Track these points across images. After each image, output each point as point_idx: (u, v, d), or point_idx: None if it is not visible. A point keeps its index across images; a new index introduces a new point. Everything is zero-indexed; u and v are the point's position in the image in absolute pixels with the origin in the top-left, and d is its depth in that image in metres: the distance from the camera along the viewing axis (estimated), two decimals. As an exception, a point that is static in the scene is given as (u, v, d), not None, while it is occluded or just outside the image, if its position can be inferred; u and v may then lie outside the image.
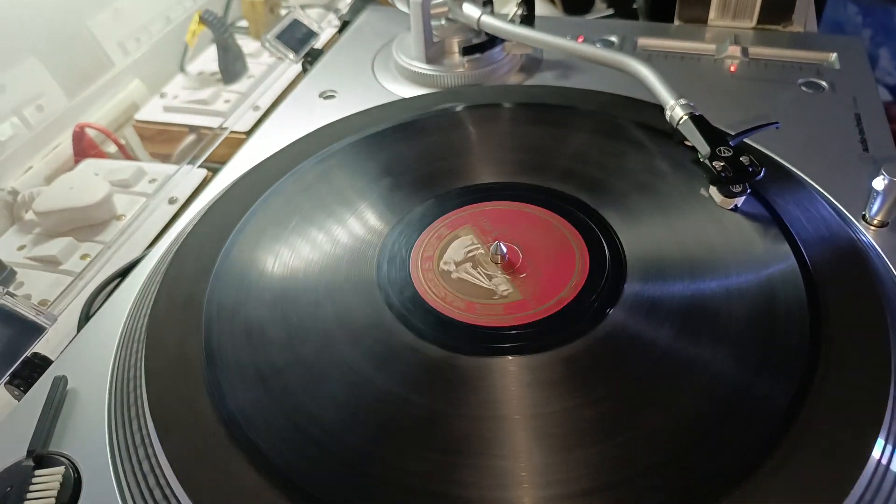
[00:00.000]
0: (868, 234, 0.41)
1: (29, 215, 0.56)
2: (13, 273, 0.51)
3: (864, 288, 0.36)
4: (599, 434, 0.30)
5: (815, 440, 0.29)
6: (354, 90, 0.60)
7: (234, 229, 0.42)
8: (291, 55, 0.64)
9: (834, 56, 0.57)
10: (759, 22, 0.61)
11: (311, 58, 0.65)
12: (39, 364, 0.39)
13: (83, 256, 0.52)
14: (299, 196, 0.44)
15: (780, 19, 0.61)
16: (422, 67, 0.58)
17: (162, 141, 0.69)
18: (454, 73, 0.58)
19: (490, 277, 0.38)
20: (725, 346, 0.33)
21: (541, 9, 0.77)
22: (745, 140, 0.45)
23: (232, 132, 0.64)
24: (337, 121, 0.53)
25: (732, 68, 0.57)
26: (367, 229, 0.42)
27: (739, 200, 0.40)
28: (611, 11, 0.78)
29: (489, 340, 0.35)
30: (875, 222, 0.42)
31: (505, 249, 0.39)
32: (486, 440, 0.30)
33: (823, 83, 0.54)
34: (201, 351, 0.35)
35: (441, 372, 0.33)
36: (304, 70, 0.65)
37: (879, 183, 0.40)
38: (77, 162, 0.64)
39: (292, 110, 0.58)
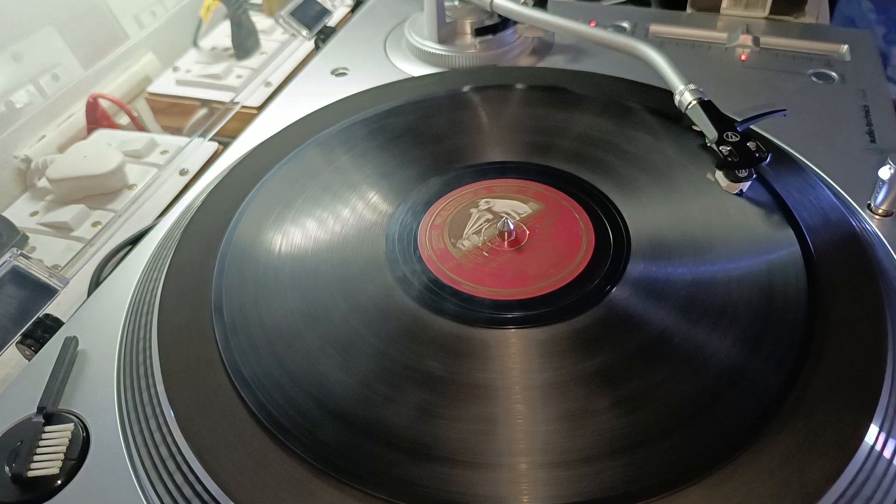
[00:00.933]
0: (872, 223, 0.42)
1: (42, 182, 0.57)
2: (25, 238, 0.52)
3: (865, 275, 0.36)
4: (596, 407, 0.31)
5: (806, 422, 0.30)
6: (366, 68, 0.60)
7: (244, 201, 0.43)
8: (304, 32, 0.64)
9: (845, 48, 0.57)
10: (771, 12, 0.61)
11: (324, 35, 0.66)
12: (51, 325, 0.40)
13: (94, 224, 0.53)
14: (309, 171, 0.45)
15: (792, 10, 0.61)
16: (434, 47, 0.58)
17: (173, 114, 0.70)
18: (466, 53, 0.58)
19: (496, 253, 0.39)
20: (724, 326, 0.34)
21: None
22: (753, 127, 0.45)
23: (243, 107, 0.64)
24: (346, 97, 0.53)
25: (743, 57, 0.57)
26: (374, 205, 0.43)
27: (745, 185, 0.40)
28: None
29: (493, 313, 0.35)
30: (880, 211, 0.42)
31: (512, 226, 0.39)
32: (487, 410, 0.31)
33: (833, 74, 0.54)
34: (211, 314, 0.36)
35: (445, 342, 0.34)
36: (317, 47, 0.65)
37: (885, 172, 0.41)
38: (90, 132, 0.65)
39: (304, 87, 0.59)
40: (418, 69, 0.59)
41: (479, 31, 0.57)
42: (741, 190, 0.40)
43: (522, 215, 0.41)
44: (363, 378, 0.33)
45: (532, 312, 0.35)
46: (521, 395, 0.31)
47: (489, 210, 0.42)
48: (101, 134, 0.63)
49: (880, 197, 0.41)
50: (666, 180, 0.43)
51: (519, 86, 0.52)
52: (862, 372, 0.32)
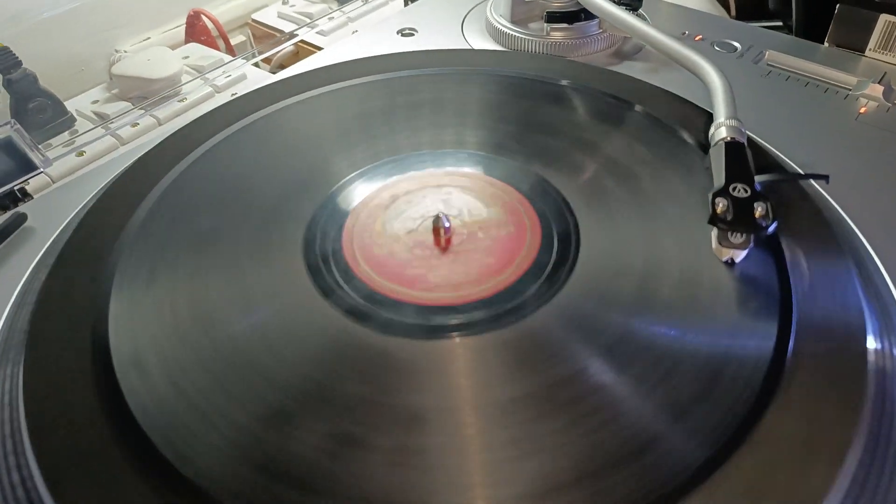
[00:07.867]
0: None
1: (114, 76, 0.60)
2: (73, 119, 0.55)
3: (840, 421, 0.27)
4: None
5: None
6: (435, 34, 0.57)
7: (198, 148, 0.41)
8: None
9: None
10: (928, 64, 0.49)
11: (417, -7, 0.63)
12: (19, 198, 0.42)
13: (134, 125, 0.55)
14: (264, 135, 0.43)
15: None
16: (504, 25, 0.54)
17: (270, 45, 0.71)
18: (537, 38, 0.53)
19: (427, 252, 0.34)
20: (648, 389, 0.28)
21: (709, 6, 0.68)
22: (817, 188, 0.36)
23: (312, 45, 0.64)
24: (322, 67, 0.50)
25: (862, 110, 0.46)
26: (305, 189, 0.38)
27: (738, 255, 0.32)
28: (779, 23, 0.67)
29: (408, 319, 0.31)
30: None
31: (448, 224, 0.34)
32: (408, 430, 0.27)
33: (963, 154, 0.42)
34: (96, 293, 0.32)
35: (359, 354, 0.30)
36: (406, 3, 0.63)
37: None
38: (187, 43, 0.68)
39: (368, 37, 0.57)
40: (485, 45, 0.55)
41: (552, 17, 0.51)
42: (731, 259, 0.32)
43: (473, 219, 0.36)
44: (271, 398, 0.28)
45: (459, 320, 0.31)
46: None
47: (445, 202, 0.37)
48: (189, 47, 0.65)
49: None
50: (653, 210, 0.35)
51: (516, 76, 0.46)
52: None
